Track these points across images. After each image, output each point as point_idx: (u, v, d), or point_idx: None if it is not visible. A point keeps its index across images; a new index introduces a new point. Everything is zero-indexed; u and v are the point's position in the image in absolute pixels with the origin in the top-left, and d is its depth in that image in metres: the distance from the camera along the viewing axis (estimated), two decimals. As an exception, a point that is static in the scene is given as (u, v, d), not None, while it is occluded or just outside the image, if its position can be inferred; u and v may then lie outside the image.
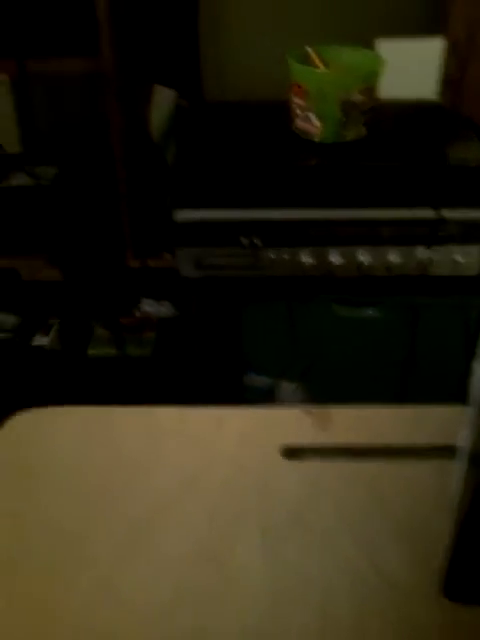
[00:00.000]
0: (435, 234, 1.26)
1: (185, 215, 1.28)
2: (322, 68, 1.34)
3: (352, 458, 0.57)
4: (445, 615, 0.46)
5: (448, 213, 1.22)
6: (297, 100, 1.33)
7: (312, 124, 1.33)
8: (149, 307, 1.52)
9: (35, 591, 0.48)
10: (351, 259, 1.32)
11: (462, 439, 0.46)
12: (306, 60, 1.34)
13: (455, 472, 0.45)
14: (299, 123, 1.36)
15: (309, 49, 1.34)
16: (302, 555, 0.51)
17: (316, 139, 1.34)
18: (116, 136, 1.42)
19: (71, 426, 0.61)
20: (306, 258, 1.32)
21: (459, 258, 1.26)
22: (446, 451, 0.51)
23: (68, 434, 0.60)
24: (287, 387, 1.44)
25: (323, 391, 1.41)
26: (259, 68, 1.56)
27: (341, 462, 0.57)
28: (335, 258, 1.32)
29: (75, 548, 0.51)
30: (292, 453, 0.58)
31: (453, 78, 1.46)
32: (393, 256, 1.31)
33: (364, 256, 1.31)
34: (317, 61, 1.34)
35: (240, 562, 0.51)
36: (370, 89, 1.32)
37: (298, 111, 1.34)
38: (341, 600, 0.48)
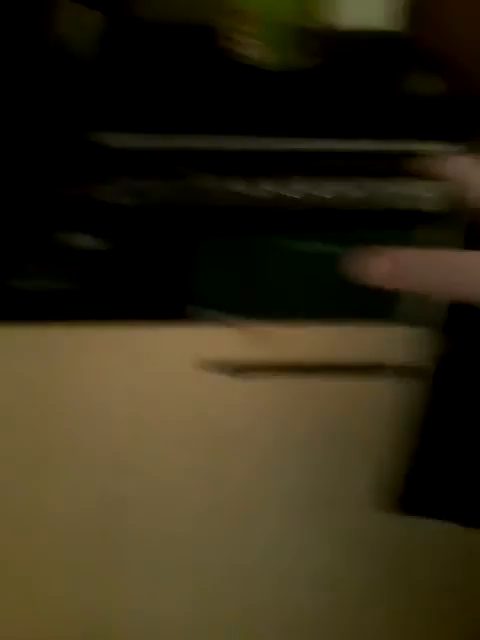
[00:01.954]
0: (397, 167, 1.22)
1: (119, 140, 1.20)
2: (271, -13, 1.26)
3: (291, 375, 0.53)
4: (387, 529, 0.42)
5: (407, 146, 1.19)
6: (240, 24, 1.27)
7: (260, 50, 1.27)
8: (83, 241, 1.42)
9: None
10: (309, 192, 1.28)
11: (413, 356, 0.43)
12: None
13: (403, 389, 0.45)
14: (242, 48, 1.29)
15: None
16: (246, 471, 0.44)
17: (263, 66, 1.29)
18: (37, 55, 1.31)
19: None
20: (260, 190, 1.27)
21: (417, 192, 1.23)
22: (388, 368, 0.49)
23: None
24: (239, 324, 1.39)
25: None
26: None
27: (280, 379, 0.52)
28: (292, 191, 1.27)
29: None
30: (231, 370, 0.51)
31: (410, 5, 1.41)
32: (354, 190, 1.27)
33: (319, 189, 1.26)
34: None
35: (173, 478, 0.44)
36: (321, 13, 1.26)
37: (242, 36, 1.28)
38: (274, 511, 0.43)
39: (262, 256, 1.41)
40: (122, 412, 0.49)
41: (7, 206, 1.42)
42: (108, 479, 0.45)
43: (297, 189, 1.26)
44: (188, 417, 0.48)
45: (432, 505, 0.48)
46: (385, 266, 0.35)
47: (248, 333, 0.55)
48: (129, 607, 0.40)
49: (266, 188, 1.27)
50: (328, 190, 1.25)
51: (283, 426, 0.49)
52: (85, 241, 1.42)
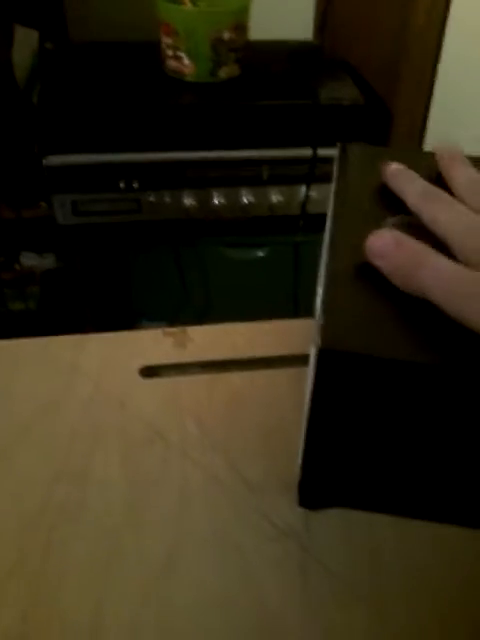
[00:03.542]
0: (313, 173, 1.28)
1: (57, 160, 1.25)
2: (189, 5, 1.32)
3: (210, 371, 0.58)
4: (302, 516, 0.48)
5: (324, 151, 1.25)
6: (166, 39, 1.31)
7: (183, 63, 1.32)
8: (30, 260, 1.47)
9: None
10: (234, 200, 1.33)
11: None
12: (174, -2, 1.32)
13: (306, 380, 0.45)
14: (170, 63, 1.34)
15: (175, -15, 1.32)
16: (161, 466, 0.51)
17: (188, 79, 1.33)
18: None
19: None
20: (188, 200, 1.32)
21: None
22: (302, 360, 0.52)
23: None
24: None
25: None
26: (126, 7, 1.51)
27: (200, 376, 0.57)
28: (217, 200, 1.32)
29: None
30: (151, 372, 0.58)
31: (322, 15, 1.47)
32: (275, 196, 1.32)
33: (246, 197, 1.32)
34: (185, -2, 1.32)
35: (99, 476, 0.51)
36: (241, 26, 1.32)
37: (168, 51, 1.33)
38: (198, 503, 0.49)
39: (192, 264, 1.46)
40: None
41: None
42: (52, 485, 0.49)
43: (219, 198, 1.31)
44: (110, 417, 0.53)
45: (328, 493, 0.48)
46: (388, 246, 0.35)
47: (168, 335, 0.59)
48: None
49: (190, 198, 1.31)
50: (247, 198, 1.31)
51: (198, 419, 0.53)
52: (36, 261, 1.47)
